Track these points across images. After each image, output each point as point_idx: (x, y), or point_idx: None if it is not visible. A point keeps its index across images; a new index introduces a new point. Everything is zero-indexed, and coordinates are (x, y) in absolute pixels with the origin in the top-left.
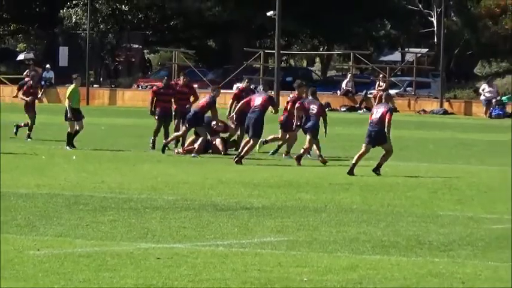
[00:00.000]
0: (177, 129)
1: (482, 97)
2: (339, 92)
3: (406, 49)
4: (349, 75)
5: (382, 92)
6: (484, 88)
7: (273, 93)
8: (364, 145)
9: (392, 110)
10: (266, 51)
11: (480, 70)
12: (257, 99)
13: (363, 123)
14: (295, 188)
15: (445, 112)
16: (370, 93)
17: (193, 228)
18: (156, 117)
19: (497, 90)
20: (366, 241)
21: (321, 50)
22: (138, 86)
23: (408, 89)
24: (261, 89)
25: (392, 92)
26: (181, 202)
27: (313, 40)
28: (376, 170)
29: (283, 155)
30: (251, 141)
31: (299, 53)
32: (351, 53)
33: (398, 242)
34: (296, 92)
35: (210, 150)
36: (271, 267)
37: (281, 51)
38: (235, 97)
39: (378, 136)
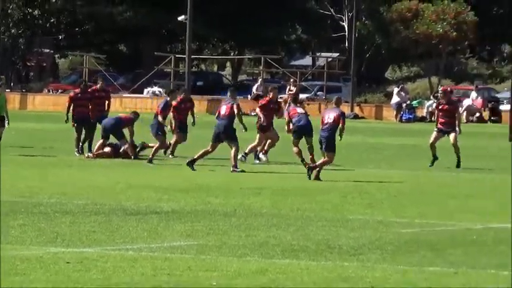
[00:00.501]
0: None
1: (392, 101)
2: (249, 96)
3: (317, 53)
4: (260, 79)
5: (292, 97)
6: (397, 91)
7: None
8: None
9: (344, 115)
10: (177, 55)
11: (391, 74)
12: (223, 109)
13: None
14: (205, 192)
15: (356, 116)
16: (281, 97)
17: (102, 232)
18: (75, 124)
19: (407, 95)
20: (275, 245)
21: (231, 54)
22: (48, 91)
23: (319, 93)
24: (228, 95)
25: (303, 96)
26: (91, 206)
27: (224, 45)
28: (312, 173)
29: (260, 154)
30: (233, 148)
31: (210, 58)
32: (262, 58)
33: (308, 246)
34: (270, 94)
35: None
36: (181, 271)
37: (192, 56)
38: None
39: (328, 143)
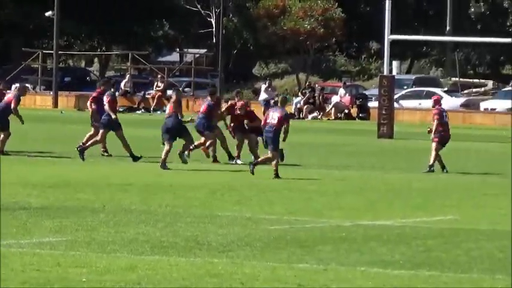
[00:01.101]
0: None
1: (260, 98)
2: (117, 92)
3: (185, 49)
4: (128, 75)
5: (160, 93)
6: (264, 88)
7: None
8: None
9: (289, 116)
10: (45, 51)
11: (259, 71)
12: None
13: (141, 124)
14: (73, 188)
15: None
16: (149, 94)
17: None
18: None
19: (275, 91)
20: (144, 242)
21: (99, 50)
22: None
23: (186, 89)
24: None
25: (170, 92)
26: None
27: (92, 40)
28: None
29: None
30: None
31: (77, 54)
32: (129, 54)
33: (177, 243)
34: (236, 99)
35: None
36: (50, 267)
37: (59, 52)
38: None
39: (272, 141)
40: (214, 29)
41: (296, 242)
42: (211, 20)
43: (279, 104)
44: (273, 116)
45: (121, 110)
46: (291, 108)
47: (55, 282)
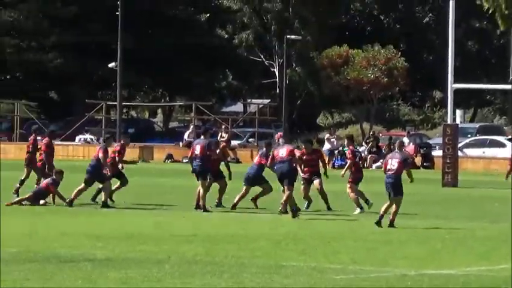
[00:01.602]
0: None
1: (324, 148)
2: (181, 143)
3: (248, 100)
4: (192, 126)
5: (224, 143)
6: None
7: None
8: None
9: (409, 161)
10: (108, 102)
11: (322, 121)
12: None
13: None
14: (137, 240)
15: None
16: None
17: (36, 280)
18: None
19: (340, 141)
20: None
21: (162, 101)
22: None
23: (250, 139)
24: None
25: (234, 143)
26: (24, 254)
27: (155, 91)
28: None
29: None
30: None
31: (141, 104)
32: (193, 104)
33: None
34: (303, 148)
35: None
36: None
37: (123, 103)
38: None
39: (394, 187)
40: (277, 79)
41: None
42: (275, 70)
43: (396, 149)
44: (393, 162)
45: (185, 161)
46: None
47: None
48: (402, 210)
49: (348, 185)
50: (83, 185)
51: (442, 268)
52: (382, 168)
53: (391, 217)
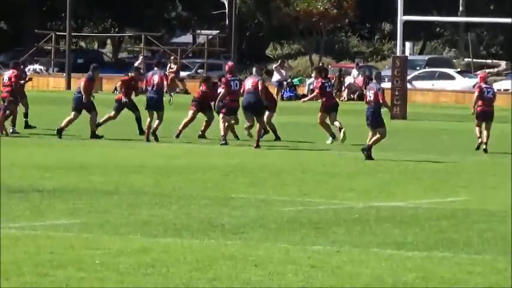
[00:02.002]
0: None
1: (273, 79)
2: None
3: (198, 31)
4: (141, 57)
5: (173, 74)
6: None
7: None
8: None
9: (382, 90)
10: (57, 33)
11: (272, 52)
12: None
13: None
14: (86, 170)
15: None
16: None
17: None
18: None
19: (289, 72)
20: (158, 224)
21: (112, 32)
22: None
23: (200, 71)
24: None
25: (184, 74)
26: None
27: (105, 22)
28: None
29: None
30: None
31: (90, 35)
32: (142, 35)
33: (191, 225)
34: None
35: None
36: (64, 249)
37: (72, 34)
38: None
39: (372, 118)
40: (227, 10)
41: (309, 223)
42: (224, 0)
43: (374, 80)
44: (370, 93)
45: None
46: (304, 89)
47: (68, 265)
48: (351, 143)
49: (319, 115)
50: (72, 114)
51: (391, 200)
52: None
53: (369, 143)
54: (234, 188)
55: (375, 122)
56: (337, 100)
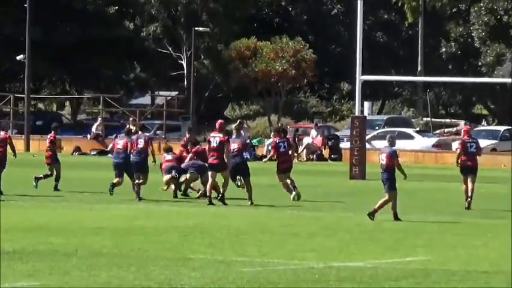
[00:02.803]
0: None
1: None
2: (89, 135)
3: (156, 92)
4: (99, 118)
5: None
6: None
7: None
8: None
9: (396, 153)
10: (16, 95)
11: (230, 113)
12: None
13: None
14: (46, 232)
15: None
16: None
17: None
18: None
19: (247, 133)
20: (117, 285)
21: (71, 93)
22: None
23: (158, 132)
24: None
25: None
26: None
27: (63, 84)
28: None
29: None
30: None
31: (49, 97)
32: (101, 97)
33: (150, 286)
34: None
35: None
36: None
37: (31, 95)
38: None
39: (387, 182)
40: (185, 71)
41: (269, 284)
42: (183, 62)
43: (387, 144)
44: (382, 157)
45: (93, 153)
46: (263, 150)
47: None
48: (310, 203)
49: (277, 176)
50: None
51: (350, 260)
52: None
53: (392, 211)
54: (193, 248)
55: (392, 185)
56: (292, 160)
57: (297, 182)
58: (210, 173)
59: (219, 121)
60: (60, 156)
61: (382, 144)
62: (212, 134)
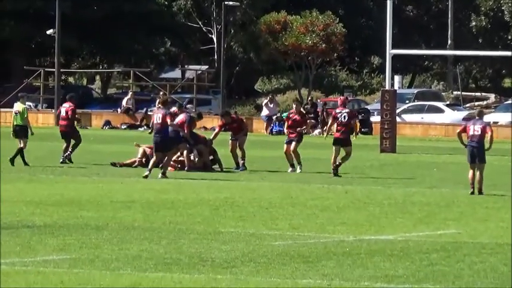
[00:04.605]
0: None
1: (262, 114)
2: (119, 109)
3: (186, 66)
4: (130, 92)
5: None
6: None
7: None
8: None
9: (490, 125)
10: (46, 69)
11: (261, 86)
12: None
13: (145, 141)
14: (76, 206)
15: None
16: (151, 111)
17: None
18: None
19: (277, 107)
20: (148, 259)
21: (100, 68)
22: None
23: (189, 106)
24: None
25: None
26: None
27: (93, 58)
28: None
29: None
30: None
31: (79, 71)
32: (131, 71)
33: (181, 260)
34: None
35: None
36: (54, 285)
37: (61, 70)
38: None
39: (482, 153)
40: (215, 45)
41: (300, 257)
42: (213, 36)
43: (476, 117)
44: (475, 127)
45: (124, 127)
46: None
47: None
48: (339, 177)
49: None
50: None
51: (381, 234)
52: (462, 134)
53: (478, 186)
54: (223, 222)
55: (483, 157)
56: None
57: (328, 155)
58: (334, 148)
59: (342, 97)
60: (91, 130)
61: (412, 117)
62: (338, 110)
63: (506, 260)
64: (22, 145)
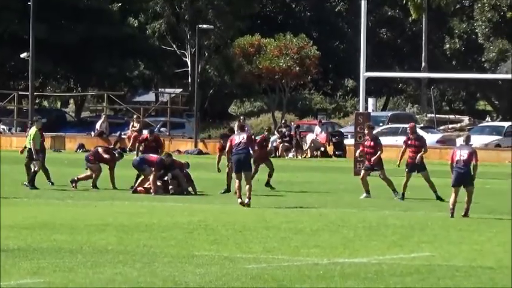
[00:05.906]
0: None
1: None
2: (93, 133)
3: (160, 89)
4: (103, 116)
5: (136, 133)
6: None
7: None
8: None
9: (476, 153)
10: (20, 92)
11: (234, 109)
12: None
13: (117, 164)
14: (50, 229)
15: (200, 152)
16: (124, 134)
17: None
18: None
19: (251, 130)
20: (122, 282)
21: (74, 91)
22: None
23: (162, 129)
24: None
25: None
26: None
27: (67, 81)
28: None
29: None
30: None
31: (53, 95)
32: (105, 94)
33: (155, 283)
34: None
35: None
36: None
37: (35, 93)
38: None
39: (469, 178)
40: (189, 69)
41: (273, 281)
42: (187, 59)
43: (463, 142)
44: (462, 153)
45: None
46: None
47: None
48: (315, 199)
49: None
50: None
51: (355, 257)
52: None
53: (465, 206)
54: (197, 245)
55: (470, 180)
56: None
57: (302, 178)
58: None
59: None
60: (65, 153)
61: (386, 140)
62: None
63: (480, 284)
64: (36, 168)
